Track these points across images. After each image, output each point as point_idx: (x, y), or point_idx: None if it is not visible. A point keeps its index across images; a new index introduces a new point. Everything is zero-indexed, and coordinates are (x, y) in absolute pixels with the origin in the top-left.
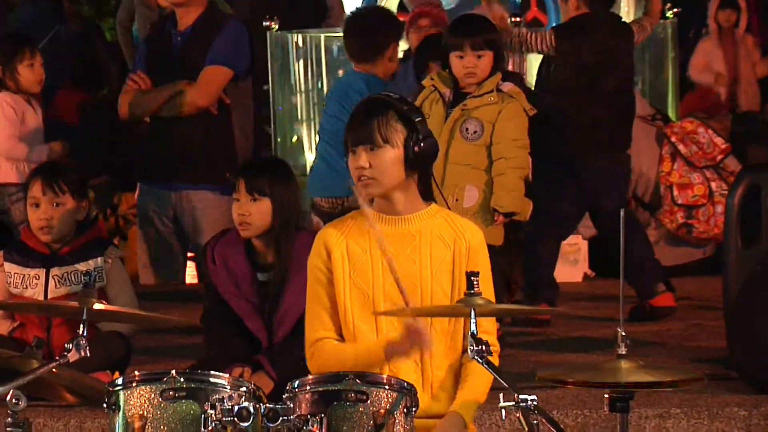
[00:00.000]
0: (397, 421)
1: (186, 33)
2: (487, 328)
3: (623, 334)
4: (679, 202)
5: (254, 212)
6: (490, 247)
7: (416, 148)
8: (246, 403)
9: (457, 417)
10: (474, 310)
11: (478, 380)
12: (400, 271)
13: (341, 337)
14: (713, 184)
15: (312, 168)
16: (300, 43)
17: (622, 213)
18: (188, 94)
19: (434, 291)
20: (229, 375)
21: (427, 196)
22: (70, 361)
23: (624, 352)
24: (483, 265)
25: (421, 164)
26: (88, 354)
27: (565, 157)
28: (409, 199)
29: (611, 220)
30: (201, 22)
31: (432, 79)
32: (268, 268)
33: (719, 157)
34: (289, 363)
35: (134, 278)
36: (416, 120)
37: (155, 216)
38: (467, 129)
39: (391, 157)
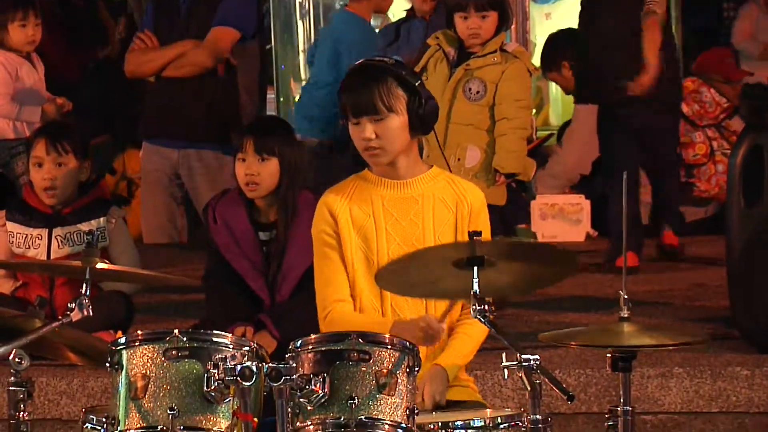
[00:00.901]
0: (399, 380)
1: None
2: None
3: (626, 296)
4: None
5: (263, 172)
6: (493, 207)
7: (420, 112)
8: (249, 363)
9: (441, 371)
10: (476, 269)
11: (467, 340)
12: (403, 235)
13: (353, 300)
14: (714, 143)
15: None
16: (302, 2)
17: (624, 175)
18: (195, 54)
19: None
20: (232, 334)
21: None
22: (73, 320)
23: (626, 315)
24: (484, 225)
25: (424, 127)
26: (91, 313)
27: None
28: (410, 162)
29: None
30: None
31: (437, 38)
32: (270, 227)
33: (721, 116)
34: (292, 322)
35: (138, 239)
36: (417, 84)
37: (159, 174)
38: (470, 89)
39: (396, 125)
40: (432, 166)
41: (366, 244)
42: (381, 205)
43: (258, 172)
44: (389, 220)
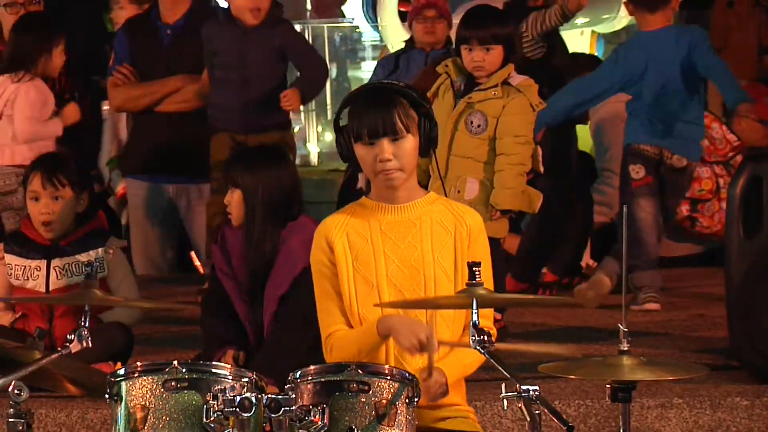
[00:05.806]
0: (399, 411)
1: (177, 26)
2: (485, 313)
3: (626, 329)
4: (686, 194)
5: (232, 202)
6: (493, 239)
7: (431, 135)
8: (248, 394)
9: (440, 372)
10: (476, 300)
11: (471, 351)
12: (401, 257)
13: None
14: (721, 180)
15: None
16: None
17: (624, 208)
18: (192, 91)
19: (437, 276)
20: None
21: None
22: (72, 351)
23: (626, 348)
24: (483, 250)
25: (428, 151)
26: (90, 345)
27: None
28: (410, 186)
29: None
30: (192, 15)
31: (446, 65)
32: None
33: (730, 154)
34: (279, 360)
35: None
36: (427, 106)
37: (153, 209)
38: (472, 122)
39: (412, 145)
40: (429, 191)
41: (364, 267)
42: (379, 228)
43: (229, 202)
44: (387, 243)
